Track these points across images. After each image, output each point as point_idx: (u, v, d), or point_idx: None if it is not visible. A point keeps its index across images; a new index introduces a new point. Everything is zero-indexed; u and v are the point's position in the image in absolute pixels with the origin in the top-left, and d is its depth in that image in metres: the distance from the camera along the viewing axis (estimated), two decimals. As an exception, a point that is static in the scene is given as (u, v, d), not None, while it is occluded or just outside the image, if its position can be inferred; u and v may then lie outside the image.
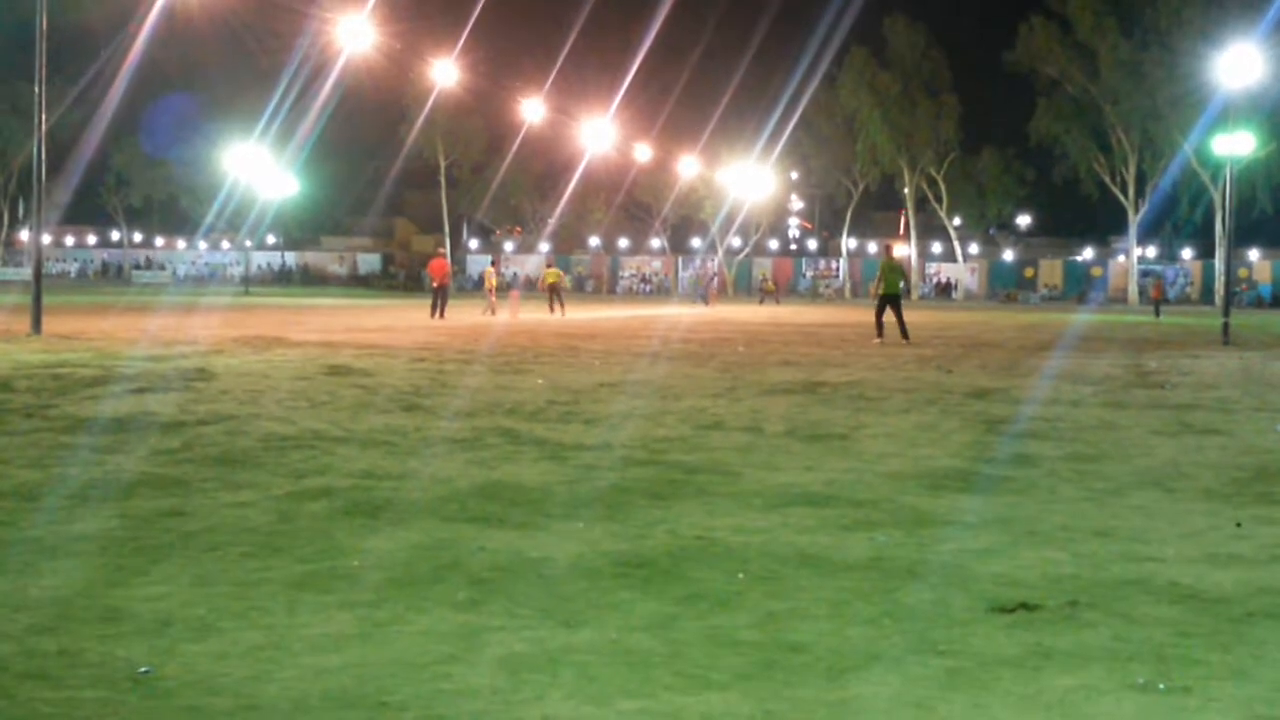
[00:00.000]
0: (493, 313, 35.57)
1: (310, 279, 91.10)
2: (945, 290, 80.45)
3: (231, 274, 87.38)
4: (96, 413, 10.22)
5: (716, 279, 74.38)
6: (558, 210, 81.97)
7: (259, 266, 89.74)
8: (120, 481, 7.06)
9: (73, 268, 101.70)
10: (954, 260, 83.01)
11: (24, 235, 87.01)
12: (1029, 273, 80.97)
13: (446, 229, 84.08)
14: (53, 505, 6.39)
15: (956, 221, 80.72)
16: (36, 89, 22.30)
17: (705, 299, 55.79)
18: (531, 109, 49.58)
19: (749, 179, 71.95)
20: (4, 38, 53.23)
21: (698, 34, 77.56)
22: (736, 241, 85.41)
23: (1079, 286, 76.04)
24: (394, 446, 8.67)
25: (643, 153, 62.74)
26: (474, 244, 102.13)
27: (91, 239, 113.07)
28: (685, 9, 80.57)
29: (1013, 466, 8.19)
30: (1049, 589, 4.92)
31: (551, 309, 37.61)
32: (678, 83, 68.39)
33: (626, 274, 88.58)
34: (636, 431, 9.70)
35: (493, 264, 47.68)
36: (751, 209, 78.23)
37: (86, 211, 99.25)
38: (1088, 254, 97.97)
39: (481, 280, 45.66)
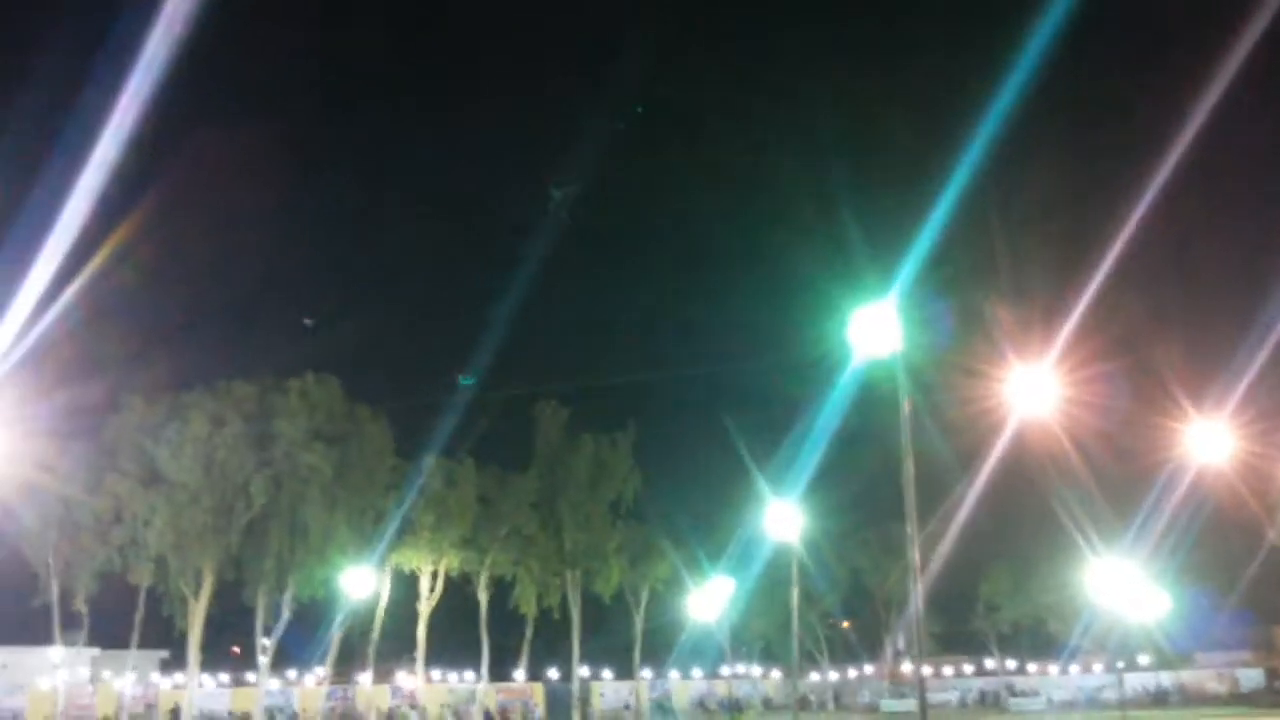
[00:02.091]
0: None
1: (1188, 699, 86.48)
2: None
3: (1106, 698, 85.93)
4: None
5: None
6: None
7: (1133, 689, 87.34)
8: None
9: (953, 696, 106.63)
10: None
11: (905, 667, 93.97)
12: None
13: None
14: None
15: None
16: (909, 528, 25.90)
17: None
18: None
19: None
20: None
21: None
22: None
23: None
24: None
25: None
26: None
27: (967, 667, 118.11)
28: None
29: None
30: None
31: None
32: None
33: None
34: None
35: None
36: None
37: (960, 640, 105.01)
38: None
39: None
